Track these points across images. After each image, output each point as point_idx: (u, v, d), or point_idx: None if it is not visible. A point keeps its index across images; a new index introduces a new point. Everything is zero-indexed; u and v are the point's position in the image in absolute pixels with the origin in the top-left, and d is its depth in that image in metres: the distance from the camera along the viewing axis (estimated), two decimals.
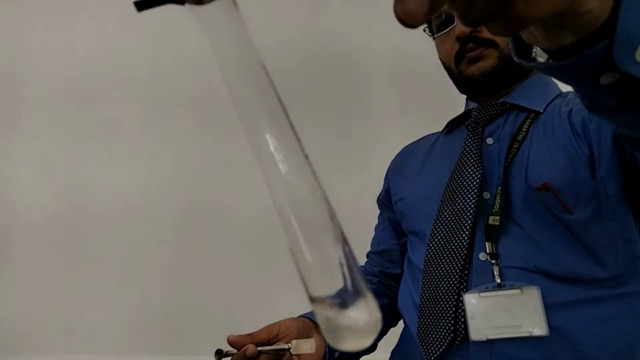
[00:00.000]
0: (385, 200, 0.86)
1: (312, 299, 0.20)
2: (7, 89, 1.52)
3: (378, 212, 0.90)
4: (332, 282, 0.19)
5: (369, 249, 0.90)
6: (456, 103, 0.82)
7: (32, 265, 1.43)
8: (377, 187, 0.91)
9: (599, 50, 0.29)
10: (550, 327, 0.56)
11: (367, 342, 0.19)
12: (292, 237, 0.20)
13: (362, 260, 0.90)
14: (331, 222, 0.20)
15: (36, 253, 1.43)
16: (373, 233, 0.90)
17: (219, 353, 0.61)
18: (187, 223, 1.43)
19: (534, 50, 0.33)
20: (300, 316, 0.73)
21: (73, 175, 1.47)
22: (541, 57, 0.32)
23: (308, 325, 0.70)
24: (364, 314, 0.19)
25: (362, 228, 1.02)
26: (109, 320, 1.39)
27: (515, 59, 0.33)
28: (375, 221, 0.91)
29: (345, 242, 0.20)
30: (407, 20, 0.21)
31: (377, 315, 0.19)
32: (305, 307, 1.19)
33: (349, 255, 0.20)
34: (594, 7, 0.25)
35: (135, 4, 0.21)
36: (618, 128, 0.45)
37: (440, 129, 0.82)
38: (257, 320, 1.32)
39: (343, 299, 0.19)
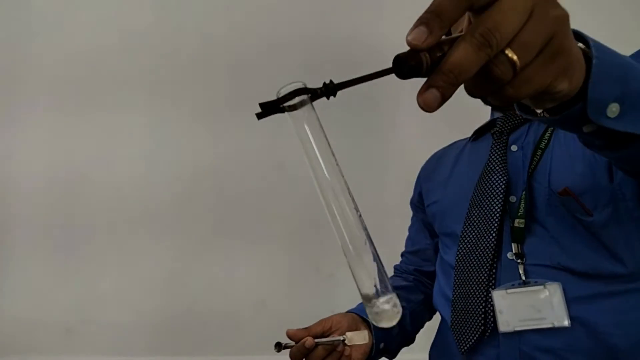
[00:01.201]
0: (419, 203, 0.95)
1: (363, 296, 0.33)
2: (6, 81, 1.54)
3: (395, 207, 0.98)
4: (376, 287, 0.33)
5: (393, 243, 0.98)
6: (475, 104, 0.89)
7: (32, 265, 1.46)
8: (394, 185, 0.98)
9: (576, 111, 0.38)
10: (573, 318, 0.64)
11: (394, 322, 0.33)
12: (350, 260, 0.34)
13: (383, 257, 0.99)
14: (371, 246, 0.34)
15: (36, 253, 1.47)
16: (398, 229, 0.98)
17: (279, 345, 0.67)
18: (187, 223, 1.48)
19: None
20: (348, 311, 0.81)
21: (73, 174, 1.50)
22: (538, 111, 0.41)
23: (357, 319, 0.78)
24: (392, 305, 0.33)
25: (382, 222, 1.10)
26: (109, 320, 1.43)
27: (517, 112, 0.42)
28: (394, 216, 0.99)
29: (379, 258, 0.34)
30: (425, 108, 0.30)
31: (399, 307, 0.33)
32: (302, 307, 1.25)
33: (381, 267, 0.34)
34: (565, 88, 0.34)
35: (257, 114, 0.35)
36: (612, 161, 0.53)
37: (460, 127, 0.91)
38: (257, 320, 1.38)
39: (383, 294, 0.33)
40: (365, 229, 0.34)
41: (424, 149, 1.04)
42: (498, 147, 0.77)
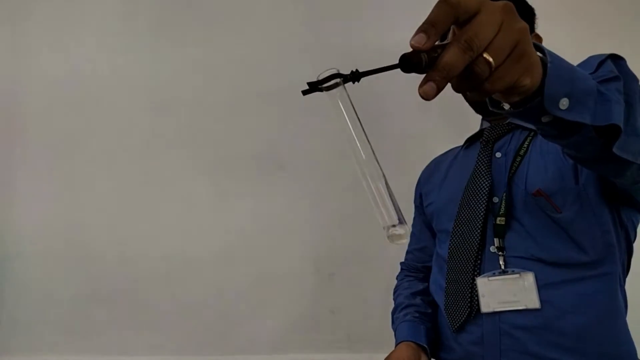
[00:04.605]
0: (420, 204, 1.14)
1: (388, 222, 0.49)
2: (8, 99, 1.67)
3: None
4: (394, 218, 0.49)
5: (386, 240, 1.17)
6: (469, 113, 1.07)
7: (32, 266, 1.58)
8: (400, 189, 1.17)
9: (536, 103, 0.50)
10: (543, 301, 0.82)
11: (406, 241, 0.49)
12: (376, 205, 0.50)
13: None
14: (390, 193, 0.50)
15: (36, 253, 1.59)
16: None
17: None
18: (187, 223, 1.60)
19: (502, 103, 0.57)
20: (407, 341, 0.96)
21: (74, 177, 1.63)
22: (506, 106, 0.54)
23: (416, 349, 0.94)
24: (406, 229, 0.48)
25: None
26: (109, 320, 1.55)
27: (490, 109, 0.56)
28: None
29: (394, 198, 0.50)
30: (425, 97, 0.41)
31: (409, 229, 0.49)
32: (302, 307, 1.42)
33: (397, 206, 0.49)
34: (528, 83, 0.46)
35: (303, 91, 0.50)
36: (564, 149, 0.68)
37: (458, 128, 1.12)
38: (257, 320, 1.51)
39: (399, 223, 0.49)
40: (385, 179, 0.50)
41: (424, 152, 1.23)
42: (484, 154, 0.96)
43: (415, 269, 1.16)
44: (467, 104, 1.05)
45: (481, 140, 1.00)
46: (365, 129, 0.50)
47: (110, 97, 1.67)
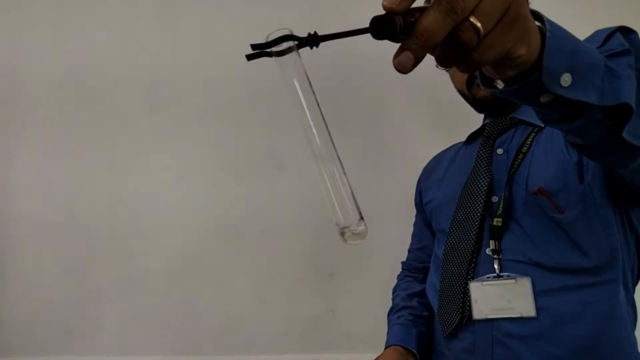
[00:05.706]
0: (420, 202, 1.10)
1: (344, 221, 0.43)
2: (7, 89, 1.67)
3: (399, 211, 1.15)
4: (350, 213, 0.43)
5: (393, 243, 1.15)
6: (472, 111, 1.04)
7: (32, 266, 1.59)
8: (395, 188, 1.13)
9: (533, 79, 0.44)
10: (540, 309, 0.77)
11: (362, 240, 0.43)
12: (336, 195, 0.44)
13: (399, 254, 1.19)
14: (349, 184, 0.43)
15: (36, 253, 1.59)
16: (397, 229, 1.14)
17: None
18: (187, 223, 1.59)
19: (495, 81, 0.49)
20: (391, 344, 0.94)
21: (73, 175, 1.63)
22: (500, 85, 0.47)
23: (403, 353, 0.92)
24: (363, 227, 0.42)
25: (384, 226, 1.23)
26: (109, 320, 1.56)
27: (481, 87, 0.49)
28: (398, 220, 1.15)
29: (356, 202, 0.44)
30: (400, 69, 0.36)
31: (366, 229, 0.43)
32: (302, 307, 1.41)
33: (355, 200, 0.43)
34: (523, 53, 0.40)
35: (247, 56, 0.41)
36: (567, 136, 0.62)
37: (458, 130, 1.07)
38: (256, 320, 1.50)
39: (359, 221, 0.43)
40: (342, 167, 0.43)
41: (424, 154, 1.19)
42: (484, 150, 0.91)
43: (415, 269, 1.12)
44: (467, 103, 1.02)
45: (482, 135, 0.96)
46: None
47: (110, 94, 1.67)
